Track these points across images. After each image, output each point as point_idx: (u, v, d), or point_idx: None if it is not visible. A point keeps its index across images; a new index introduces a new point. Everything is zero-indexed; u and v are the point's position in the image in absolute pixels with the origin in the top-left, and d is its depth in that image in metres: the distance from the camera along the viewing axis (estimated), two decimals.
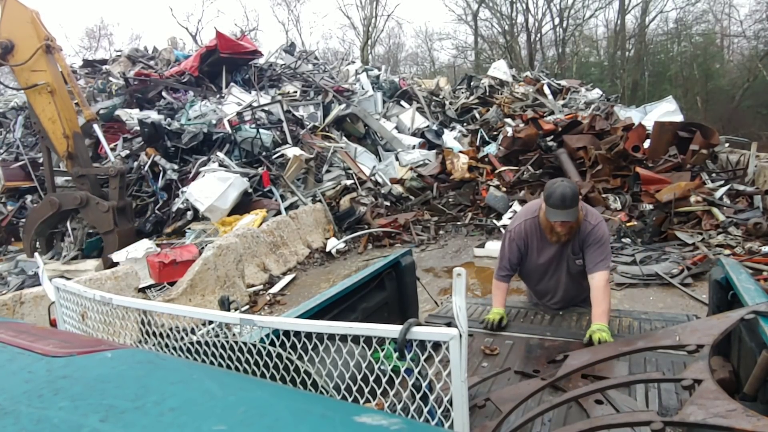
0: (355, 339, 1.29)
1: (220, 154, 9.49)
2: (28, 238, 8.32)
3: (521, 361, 2.52)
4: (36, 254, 4.41)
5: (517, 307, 3.28)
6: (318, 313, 2.51)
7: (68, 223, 8.53)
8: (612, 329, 2.74)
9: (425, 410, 1.30)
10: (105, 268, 7.28)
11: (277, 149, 10.04)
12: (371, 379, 1.31)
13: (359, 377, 1.33)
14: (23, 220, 10.33)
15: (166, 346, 1.54)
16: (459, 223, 9.11)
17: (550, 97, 16.10)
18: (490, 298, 3.13)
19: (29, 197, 10.77)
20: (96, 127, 8.47)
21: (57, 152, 7.94)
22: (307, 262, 7.97)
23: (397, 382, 1.31)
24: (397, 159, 11.52)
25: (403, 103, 14.76)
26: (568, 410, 2.01)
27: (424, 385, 1.28)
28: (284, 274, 7.41)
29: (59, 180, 9.14)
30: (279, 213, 8.53)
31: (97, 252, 8.18)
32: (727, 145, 10.60)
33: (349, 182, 10.05)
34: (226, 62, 13.07)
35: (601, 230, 2.82)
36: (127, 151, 9.99)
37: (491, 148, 11.84)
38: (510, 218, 8.30)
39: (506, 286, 3.02)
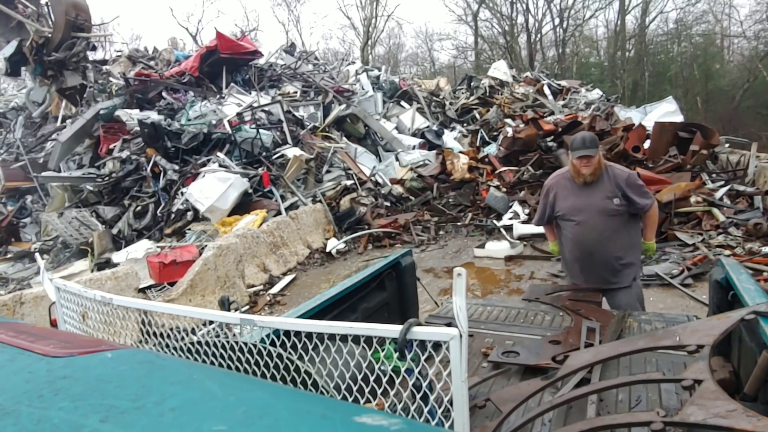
0: (356, 339, 1.29)
1: (221, 155, 9.49)
2: None
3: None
4: (37, 255, 4.43)
5: (517, 308, 3.28)
6: (318, 313, 2.50)
7: None
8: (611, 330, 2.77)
9: (425, 410, 1.29)
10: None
11: (277, 149, 10.04)
12: (371, 379, 1.31)
13: (359, 377, 1.33)
14: (23, 220, 10.36)
15: (167, 346, 1.54)
16: (459, 224, 9.10)
17: (550, 97, 16.10)
18: (491, 298, 3.15)
19: (29, 197, 10.79)
20: None
21: None
22: (307, 263, 7.97)
23: (397, 382, 1.31)
24: (397, 159, 11.51)
25: (403, 103, 14.76)
26: (568, 410, 2.01)
27: (424, 385, 1.27)
28: (284, 274, 7.40)
29: None
30: (279, 213, 8.52)
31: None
32: (727, 145, 10.58)
33: (349, 182, 10.04)
34: (226, 62, 13.07)
35: (634, 175, 3.40)
36: (127, 152, 9.99)
37: (491, 149, 11.84)
38: (510, 218, 8.43)
39: (550, 226, 3.66)
